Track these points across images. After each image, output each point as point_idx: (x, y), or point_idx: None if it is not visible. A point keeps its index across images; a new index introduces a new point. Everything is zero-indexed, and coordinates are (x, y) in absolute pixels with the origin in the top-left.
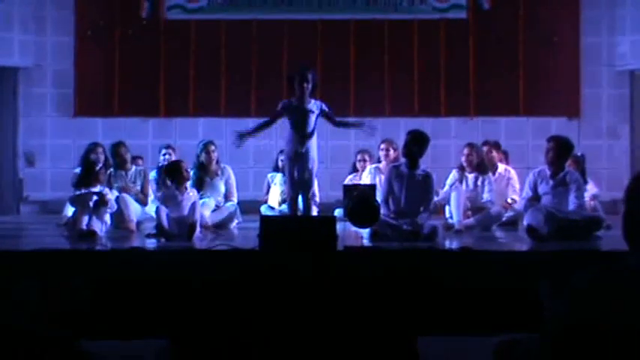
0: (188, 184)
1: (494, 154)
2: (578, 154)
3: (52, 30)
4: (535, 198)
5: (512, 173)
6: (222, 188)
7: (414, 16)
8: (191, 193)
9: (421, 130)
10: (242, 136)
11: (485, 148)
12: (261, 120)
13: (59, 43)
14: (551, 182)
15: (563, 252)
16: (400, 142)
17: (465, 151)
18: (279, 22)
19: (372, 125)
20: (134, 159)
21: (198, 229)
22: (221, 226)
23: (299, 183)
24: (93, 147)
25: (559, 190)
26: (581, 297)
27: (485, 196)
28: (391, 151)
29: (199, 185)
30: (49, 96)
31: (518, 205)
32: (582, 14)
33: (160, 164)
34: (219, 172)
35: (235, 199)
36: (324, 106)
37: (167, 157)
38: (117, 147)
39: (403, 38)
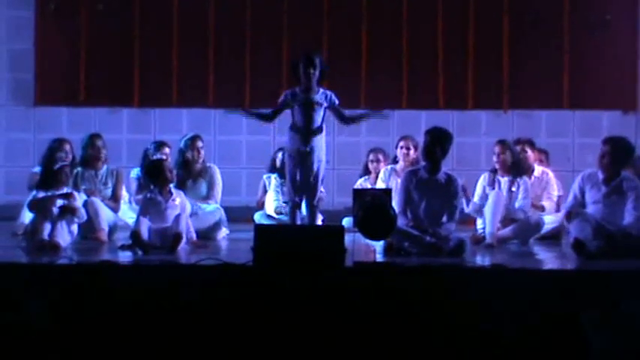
0: (172, 187)
1: (530, 153)
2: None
3: (7, 2)
4: (581, 205)
5: (551, 176)
6: (205, 192)
7: None
8: (177, 199)
9: (441, 127)
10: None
11: (517, 147)
12: (265, 110)
13: (16, 19)
14: (603, 189)
15: (615, 272)
16: (420, 139)
17: (496, 149)
18: None
19: (384, 113)
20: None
21: (184, 240)
22: (206, 237)
23: (302, 187)
24: (58, 144)
25: (612, 199)
26: (632, 329)
27: (518, 202)
28: (411, 150)
29: (180, 188)
30: (4, 82)
31: (557, 217)
32: None
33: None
34: (204, 173)
35: (217, 202)
36: (333, 98)
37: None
38: (93, 138)
39: (425, 15)
